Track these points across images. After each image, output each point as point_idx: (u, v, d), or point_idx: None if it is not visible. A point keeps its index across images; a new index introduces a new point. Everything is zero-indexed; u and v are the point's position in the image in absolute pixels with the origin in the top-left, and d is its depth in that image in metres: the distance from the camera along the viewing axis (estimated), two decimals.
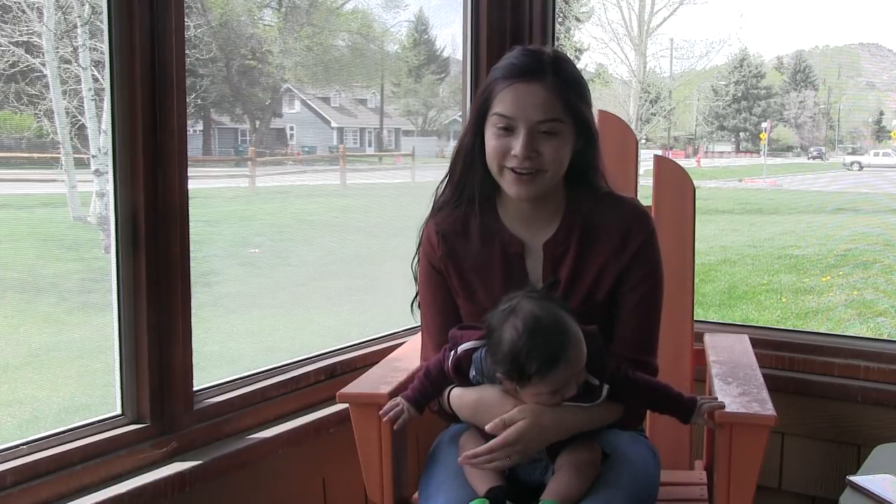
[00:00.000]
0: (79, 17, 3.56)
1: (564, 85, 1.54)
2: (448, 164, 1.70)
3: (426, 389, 1.59)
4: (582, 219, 1.63)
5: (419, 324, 1.79)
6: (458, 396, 1.57)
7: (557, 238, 1.62)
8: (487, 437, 1.55)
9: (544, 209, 1.64)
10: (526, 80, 1.53)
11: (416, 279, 1.76)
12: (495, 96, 1.55)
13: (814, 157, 19.78)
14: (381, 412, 1.60)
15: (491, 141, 1.56)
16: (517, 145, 1.52)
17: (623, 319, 1.62)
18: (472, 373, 1.53)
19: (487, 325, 1.48)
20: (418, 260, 1.74)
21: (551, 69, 1.54)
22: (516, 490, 1.50)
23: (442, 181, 1.71)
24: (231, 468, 1.81)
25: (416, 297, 1.77)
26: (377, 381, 1.77)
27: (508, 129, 1.54)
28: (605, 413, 1.54)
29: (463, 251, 1.66)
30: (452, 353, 1.55)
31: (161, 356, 1.72)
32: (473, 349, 1.53)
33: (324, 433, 2.02)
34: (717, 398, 1.58)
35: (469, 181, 1.64)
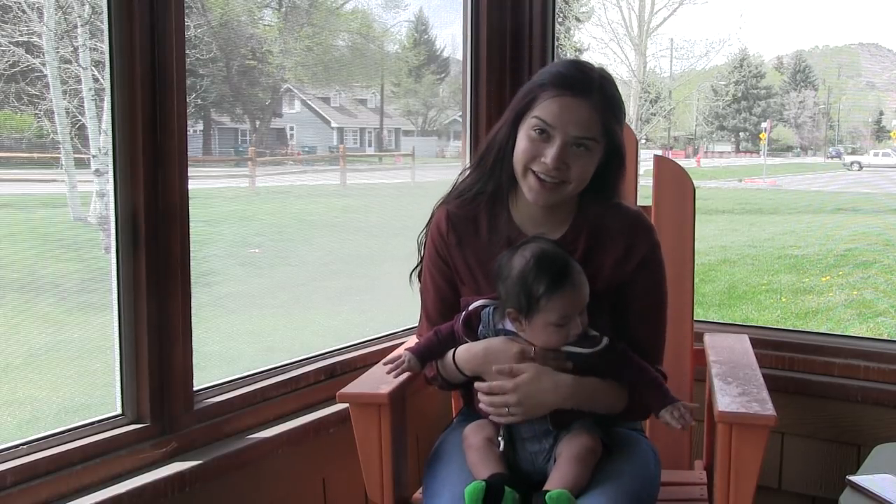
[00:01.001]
0: (79, 17, 3.56)
1: (608, 107, 1.57)
2: (478, 154, 1.73)
3: (432, 345, 1.66)
4: (589, 225, 1.66)
5: (417, 299, 1.82)
6: (466, 349, 1.62)
7: (565, 240, 1.65)
8: (491, 428, 1.56)
9: (555, 213, 1.67)
10: (574, 93, 1.55)
11: (419, 252, 1.79)
12: (540, 101, 1.57)
13: (832, 157, 19.72)
14: (383, 361, 1.67)
15: (523, 142, 1.59)
16: (549, 153, 1.55)
17: (630, 329, 1.64)
18: (481, 328, 1.59)
19: (497, 265, 1.56)
20: (426, 237, 1.77)
21: (598, 88, 1.57)
22: (518, 481, 1.50)
23: (467, 168, 1.75)
24: (231, 468, 1.81)
25: (416, 267, 1.80)
26: (377, 381, 1.77)
27: (544, 134, 1.56)
28: (608, 393, 1.58)
29: (471, 244, 1.69)
30: (464, 311, 1.62)
31: (161, 356, 1.72)
32: (483, 306, 1.61)
33: (324, 433, 2.02)
34: (689, 414, 1.55)
35: (496, 174, 1.67)
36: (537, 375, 1.52)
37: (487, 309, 1.60)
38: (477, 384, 1.58)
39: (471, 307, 1.62)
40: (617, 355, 1.56)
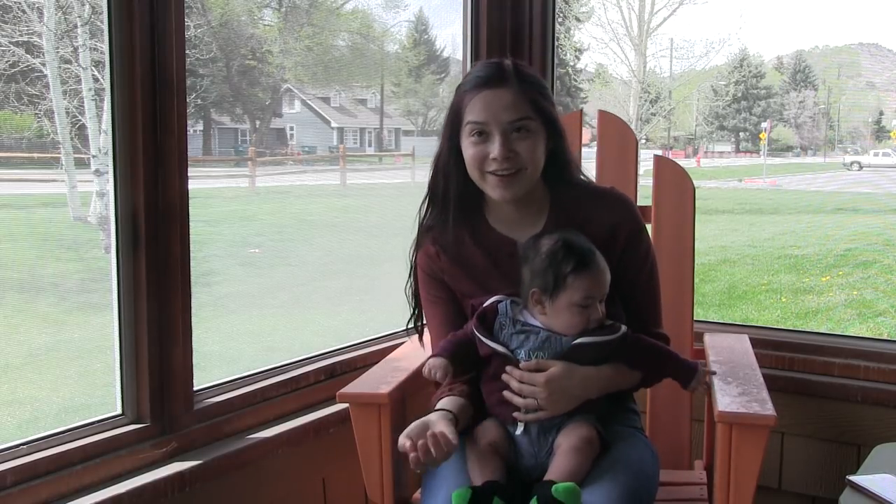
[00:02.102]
0: (79, 17, 3.56)
1: (528, 86, 1.62)
2: (428, 188, 1.73)
3: (453, 347, 1.61)
4: (567, 214, 1.69)
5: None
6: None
7: (545, 233, 1.66)
8: (497, 431, 1.57)
9: (529, 208, 1.69)
10: (491, 86, 1.60)
11: (410, 302, 1.79)
12: (465, 107, 1.62)
13: (847, 154, 19.68)
14: (425, 372, 1.59)
15: (469, 150, 1.62)
16: (494, 149, 1.58)
17: (632, 300, 1.69)
18: (499, 319, 1.59)
19: (522, 250, 1.60)
20: (413, 282, 1.77)
21: (514, 75, 1.62)
22: (516, 484, 1.51)
23: (423, 203, 1.74)
24: (231, 468, 1.81)
25: (411, 317, 1.79)
26: (377, 381, 1.77)
27: (483, 135, 1.60)
28: (625, 375, 1.62)
29: (462, 255, 1.70)
30: (477, 309, 1.62)
31: (161, 356, 1.72)
32: (499, 301, 1.61)
33: (324, 433, 2.02)
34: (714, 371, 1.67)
35: (451, 194, 1.68)
36: (567, 370, 1.54)
37: (504, 302, 1.61)
38: (507, 376, 1.55)
39: (486, 303, 1.62)
40: (631, 343, 1.59)
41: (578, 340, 1.55)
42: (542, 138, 1.62)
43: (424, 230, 1.74)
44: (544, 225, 1.68)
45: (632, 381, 1.65)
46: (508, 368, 1.57)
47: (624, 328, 1.58)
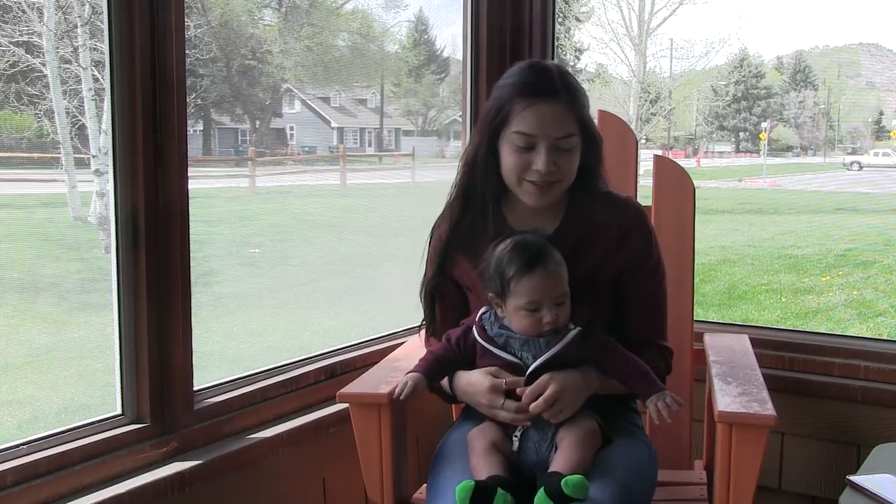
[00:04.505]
0: (79, 17, 3.56)
1: (574, 99, 1.64)
2: (457, 178, 1.75)
3: (433, 366, 1.65)
4: (582, 217, 1.70)
5: (416, 300, 1.83)
6: (458, 377, 1.66)
7: (559, 234, 1.68)
8: (496, 432, 1.57)
9: (547, 208, 1.70)
10: (544, 99, 1.61)
11: (424, 310, 1.80)
12: (514, 115, 1.62)
13: (850, 153, 19.68)
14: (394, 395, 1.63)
15: (509, 157, 1.63)
16: (539, 161, 1.60)
17: (638, 311, 1.71)
18: (488, 329, 1.61)
19: (485, 258, 1.61)
20: (426, 286, 1.79)
21: (562, 85, 1.62)
22: (520, 480, 1.51)
23: (451, 201, 1.75)
24: (231, 468, 1.81)
25: (423, 322, 1.81)
26: (377, 381, 1.77)
27: (529, 147, 1.61)
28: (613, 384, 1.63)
29: (475, 251, 1.70)
30: (474, 325, 1.63)
31: (161, 356, 1.72)
32: (484, 311, 1.63)
33: (324, 433, 2.02)
34: (680, 402, 1.56)
35: (484, 193, 1.70)
36: (570, 375, 1.55)
37: (488, 314, 1.63)
38: (546, 396, 1.54)
39: (477, 316, 1.64)
40: (592, 343, 1.57)
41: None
42: (579, 151, 1.65)
43: (451, 225, 1.74)
44: (557, 227, 1.70)
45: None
46: (545, 397, 1.53)
47: (573, 332, 1.56)
